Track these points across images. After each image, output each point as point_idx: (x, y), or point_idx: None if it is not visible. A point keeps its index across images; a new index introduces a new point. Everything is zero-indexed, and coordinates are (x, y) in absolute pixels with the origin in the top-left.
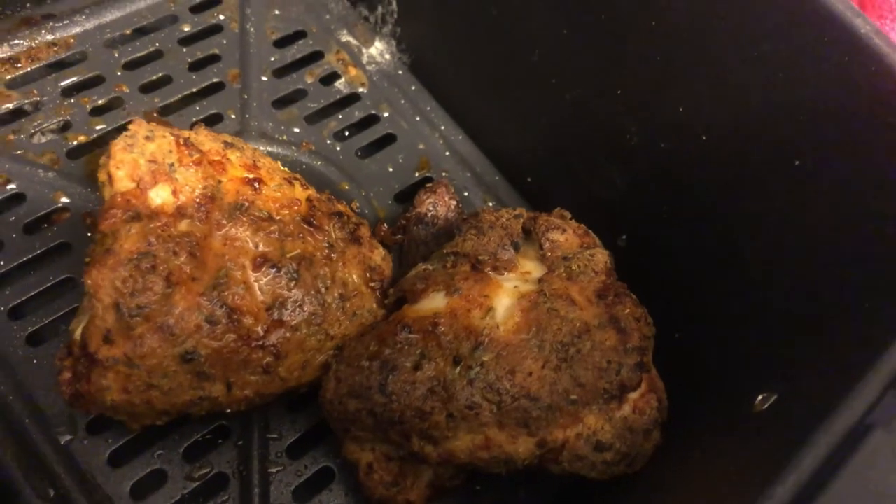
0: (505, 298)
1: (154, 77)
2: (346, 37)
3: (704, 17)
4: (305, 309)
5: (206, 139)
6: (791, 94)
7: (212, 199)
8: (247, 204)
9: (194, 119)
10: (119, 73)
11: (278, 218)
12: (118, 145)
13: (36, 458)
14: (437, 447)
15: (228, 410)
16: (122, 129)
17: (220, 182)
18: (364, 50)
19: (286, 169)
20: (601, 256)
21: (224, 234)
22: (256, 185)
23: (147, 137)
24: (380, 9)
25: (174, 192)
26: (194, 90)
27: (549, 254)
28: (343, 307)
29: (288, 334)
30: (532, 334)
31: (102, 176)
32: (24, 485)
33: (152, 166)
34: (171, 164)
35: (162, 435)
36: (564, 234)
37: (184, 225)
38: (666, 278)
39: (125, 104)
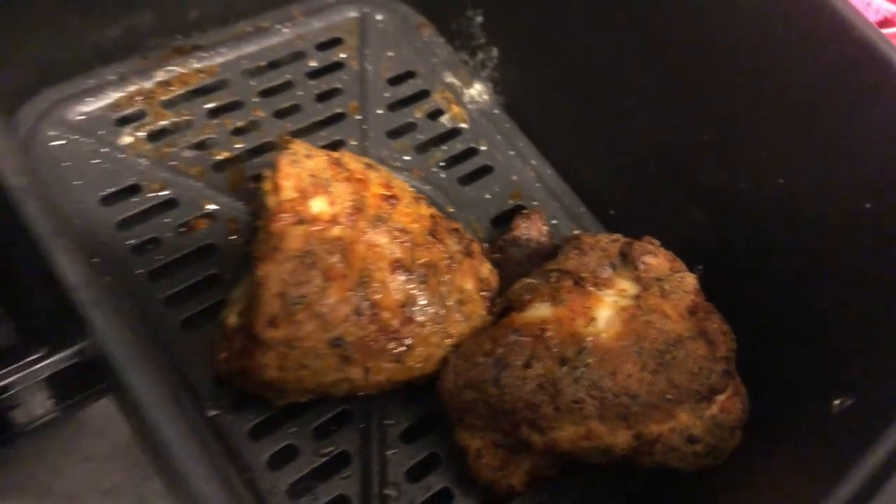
0: (605, 310)
1: (285, 105)
2: (450, 78)
3: (790, 86)
4: (431, 309)
5: (350, 160)
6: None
7: (358, 211)
8: (385, 216)
9: (320, 144)
10: (255, 100)
11: (409, 230)
12: (284, 160)
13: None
14: (544, 436)
15: (361, 393)
16: (260, 148)
17: (363, 196)
18: (465, 90)
19: (413, 189)
20: (690, 279)
21: (367, 240)
22: (392, 201)
23: (307, 156)
24: (480, 55)
25: (329, 203)
26: (320, 118)
27: (644, 275)
28: (460, 310)
29: (417, 329)
30: (631, 342)
31: (268, 186)
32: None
33: (312, 180)
34: (326, 179)
35: (295, 415)
36: (657, 258)
37: (336, 230)
38: (742, 302)
39: (261, 127)
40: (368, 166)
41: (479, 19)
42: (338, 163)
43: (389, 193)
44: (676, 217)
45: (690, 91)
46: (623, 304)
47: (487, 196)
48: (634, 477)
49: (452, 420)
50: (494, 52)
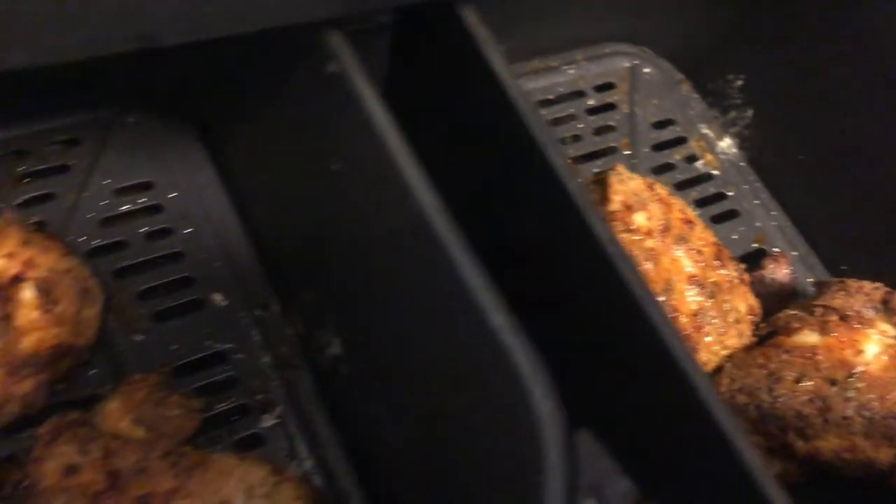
0: (872, 345)
1: (567, 134)
2: (704, 129)
3: None
4: (716, 321)
5: (658, 187)
6: None
7: (667, 229)
8: (686, 237)
9: (596, 171)
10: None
11: (703, 252)
12: (614, 178)
13: None
14: (808, 443)
15: None
16: None
17: (670, 218)
18: (717, 142)
19: (700, 218)
20: None
21: (671, 255)
22: (690, 225)
23: (629, 178)
24: (732, 113)
25: (647, 219)
26: (595, 149)
27: None
28: (736, 327)
29: (702, 337)
30: None
31: (597, 196)
32: None
33: (635, 197)
34: (644, 199)
35: None
36: None
37: (650, 242)
38: None
39: None
40: (670, 193)
41: (739, 83)
42: (651, 187)
43: (688, 218)
44: None
45: None
46: (888, 342)
47: (734, 237)
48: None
49: None
50: (749, 112)
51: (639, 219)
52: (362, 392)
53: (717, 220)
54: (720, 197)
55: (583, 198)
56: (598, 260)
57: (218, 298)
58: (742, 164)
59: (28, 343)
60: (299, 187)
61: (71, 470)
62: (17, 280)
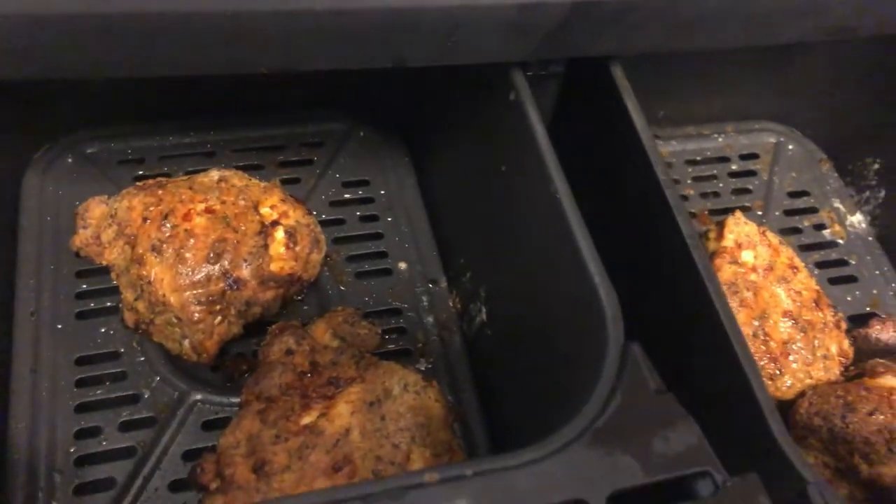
0: None
1: (708, 190)
2: (837, 204)
3: None
4: (804, 352)
5: (771, 235)
6: None
7: (770, 269)
8: (788, 279)
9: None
10: (689, 181)
11: (801, 294)
12: (731, 220)
13: None
14: (871, 468)
15: None
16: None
17: (776, 261)
18: (848, 216)
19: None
20: None
21: (771, 290)
22: (794, 270)
23: (745, 223)
24: (867, 193)
25: (754, 257)
26: (730, 206)
27: None
28: (823, 362)
29: (789, 364)
30: None
31: (712, 235)
32: None
33: (746, 238)
34: (755, 241)
35: None
36: None
37: (753, 276)
38: None
39: (689, 200)
40: (781, 242)
41: (876, 166)
42: (764, 233)
43: (793, 265)
44: None
45: None
46: None
47: (849, 298)
48: None
49: (795, 438)
50: (882, 193)
51: (746, 255)
52: (499, 346)
53: (834, 281)
54: (842, 263)
55: (677, 203)
56: (683, 256)
57: (402, 269)
58: (870, 238)
59: (274, 266)
60: (476, 185)
61: (289, 352)
62: (275, 223)
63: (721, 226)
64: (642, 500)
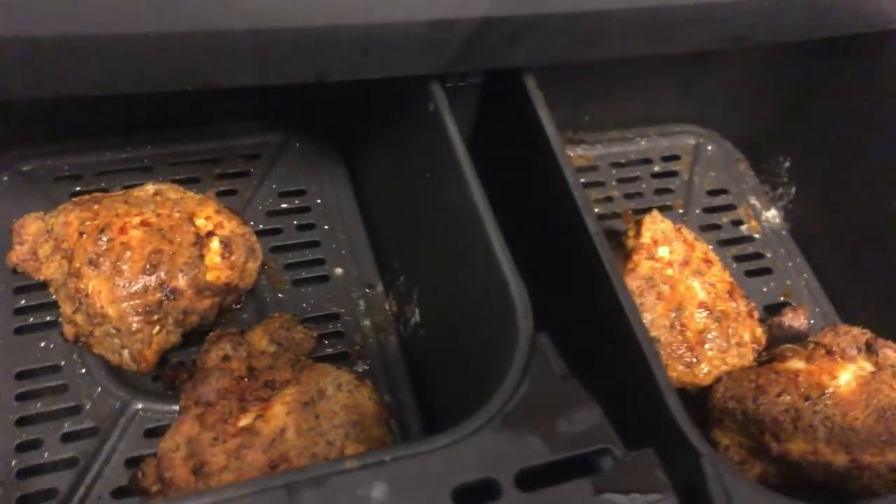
0: (846, 374)
1: (632, 191)
2: (753, 200)
3: None
4: (718, 341)
5: (686, 232)
6: None
7: (686, 264)
8: (702, 272)
9: None
10: (613, 183)
11: (716, 286)
12: (648, 219)
13: None
14: (780, 444)
15: None
16: (609, 216)
17: (691, 256)
18: (763, 212)
19: (718, 260)
20: None
21: (687, 283)
22: (708, 264)
23: (661, 221)
24: (780, 190)
25: (670, 252)
26: (653, 205)
27: (881, 361)
28: (737, 350)
29: (705, 351)
30: (862, 398)
31: (631, 232)
32: None
33: (664, 235)
34: (671, 238)
35: None
36: (895, 352)
37: (669, 271)
38: None
39: (613, 201)
40: (696, 238)
41: (787, 164)
42: (679, 230)
43: (707, 258)
44: None
45: None
46: (861, 374)
47: (764, 289)
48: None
49: (713, 421)
50: (793, 189)
51: (662, 251)
52: (431, 345)
53: (750, 273)
54: (758, 256)
55: (583, 201)
56: (590, 253)
57: (339, 275)
58: (783, 232)
59: (210, 276)
60: (405, 192)
61: (226, 358)
62: (210, 234)
63: (639, 224)
64: (549, 476)
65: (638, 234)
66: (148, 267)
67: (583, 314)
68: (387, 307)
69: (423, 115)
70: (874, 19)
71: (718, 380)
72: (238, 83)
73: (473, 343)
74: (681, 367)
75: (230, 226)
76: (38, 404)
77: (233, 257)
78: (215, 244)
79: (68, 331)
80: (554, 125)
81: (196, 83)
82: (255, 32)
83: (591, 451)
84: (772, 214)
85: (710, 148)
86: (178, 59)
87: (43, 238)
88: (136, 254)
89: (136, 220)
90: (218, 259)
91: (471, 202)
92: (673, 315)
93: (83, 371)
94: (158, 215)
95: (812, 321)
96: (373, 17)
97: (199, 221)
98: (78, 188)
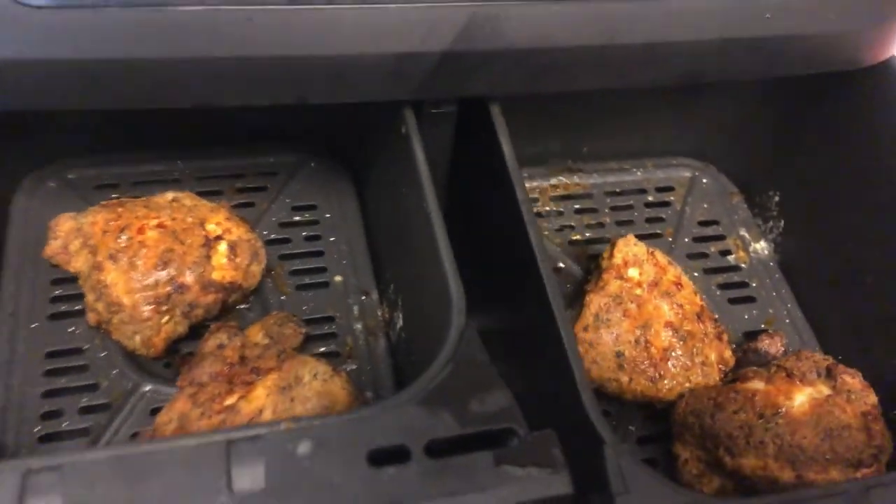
0: (801, 396)
1: (624, 218)
2: (743, 232)
3: None
4: (683, 359)
5: (660, 255)
6: None
7: (655, 285)
8: (671, 294)
9: None
10: (606, 210)
11: (684, 307)
12: (621, 242)
13: None
14: (733, 459)
15: (624, 396)
16: (601, 240)
17: (661, 278)
18: (752, 244)
19: (694, 286)
20: (873, 397)
21: (655, 303)
22: (679, 287)
23: (635, 244)
24: (770, 223)
25: (640, 273)
26: (644, 233)
27: (839, 386)
28: (702, 369)
29: (670, 368)
30: (813, 419)
31: (606, 254)
32: None
33: (634, 257)
34: (643, 260)
35: None
36: (854, 379)
37: (638, 290)
38: None
39: (605, 227)
40: (670, 263)
41: (777, 199)
42: (652, 254)
43: (678, 282)
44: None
45: None
46: (816, 396)
47: (746, 316)
48: None
49: (675, 434)
50: (781, 224)
51: (632, 272)
52: (408, 348)
53: (734, 301)
54: (743, 285)
55: (526, 207)
56: (532, 266)
57: (338, 282)
58: (771, 264)
59: (216, 275)
60: (391, 206)
61: (221, 346)
62: (218, 238)
63: (612, 246)
64: (458, 449)
65: (611, 255)
66: (160, 263)
67: (521, 314)
68: (379, 313)
69: (399, 138)
70: (828, 60)
71: (681, 396)
72: (225, 103)
73: (429, 344)
74: (644, 382)
75: (238, 232)
76: (63, 380)
77: (237, 259)
78: (222, 247)
79: (91, 318)
80: (512, 149)
81: (193, 103)
82: (239, 59)
83: (497, 430)
84: (761, 246)
85: (705, 181)
86: (175, 82)
87: (74, 235)
88: (151, 251)
89: (154, 222)
90: (224, 260)
91: (426, 212)
92: (639, 332)
93: (103, 354)
94: (174, 219)
95: (792, 348)
96: (344, 49)
97: (210, 226)
98: (115, 195)
